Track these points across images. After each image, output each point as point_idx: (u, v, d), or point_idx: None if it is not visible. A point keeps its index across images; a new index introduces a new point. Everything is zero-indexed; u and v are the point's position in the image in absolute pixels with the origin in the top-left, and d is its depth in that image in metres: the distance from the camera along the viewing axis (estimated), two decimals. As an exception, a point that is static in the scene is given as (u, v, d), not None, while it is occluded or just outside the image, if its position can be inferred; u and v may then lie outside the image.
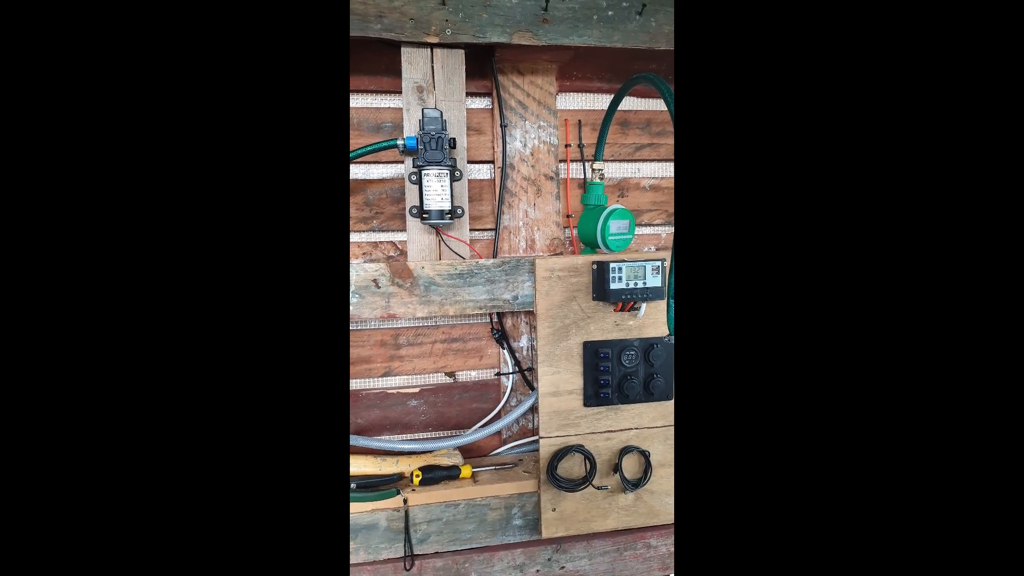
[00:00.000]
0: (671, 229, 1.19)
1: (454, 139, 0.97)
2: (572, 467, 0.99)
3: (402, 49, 0.94)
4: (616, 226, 0.96)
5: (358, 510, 0.94)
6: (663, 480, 1.02)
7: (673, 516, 1.03)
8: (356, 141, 1.01)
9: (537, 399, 0.97)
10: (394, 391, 1.08)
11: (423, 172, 0.92)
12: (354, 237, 1.04)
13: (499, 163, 1.06)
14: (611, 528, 1.01)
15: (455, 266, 0.94)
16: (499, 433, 1.11)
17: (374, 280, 0.91)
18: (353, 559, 0.96)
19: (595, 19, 0.95)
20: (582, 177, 1.12)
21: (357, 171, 1.03)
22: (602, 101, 1.12)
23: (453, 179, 0.94)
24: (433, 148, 0.91)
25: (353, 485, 0.96)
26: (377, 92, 1.02)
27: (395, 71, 0.96)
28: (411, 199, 0.98)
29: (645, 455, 1.00)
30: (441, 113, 0.92)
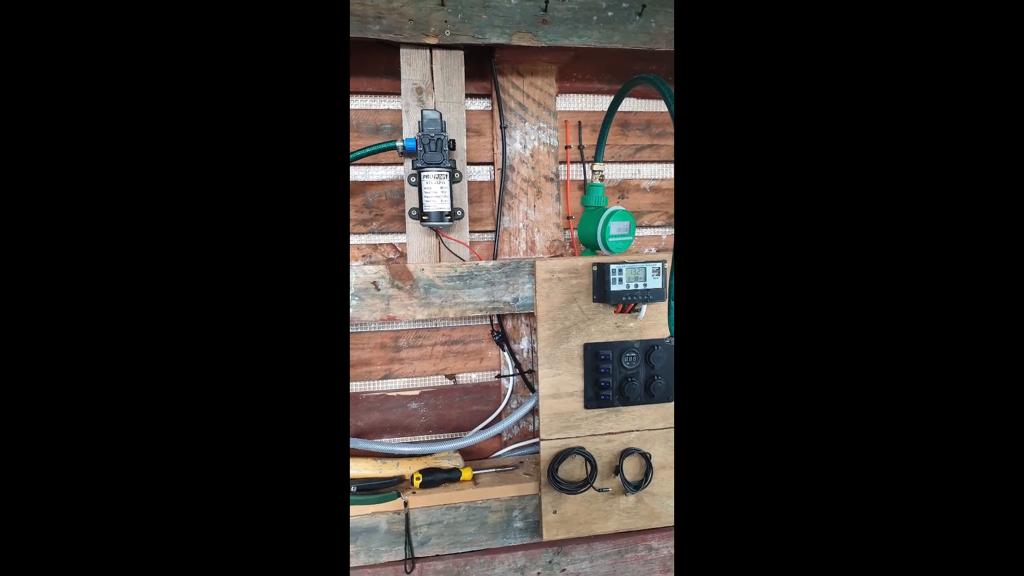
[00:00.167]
0: (671, 231, 1.18)
1: (453, 141, 0.96)
2: (573, 469, 0.98)
3: (401, 50, 0.94)
4: (616, 228, 0.96)
5: (358, 513, 0.94)
6: (664, 482, 1.01)
7: (674, 518, 1.02)
8: (355, 143, 1.01)
9: (538, 401, 0.97)
10: (394, 393, 1.08)
11: (422, 174, 0.92)
12: (353, 239, 1.04)
13: (499, 165, 1.05)
14: (612, 530, 1.01)
15: (455, 268, 0.94)
16: (500, 435, 1.11)
17: (374, 282, 0.91)
18: (353, 562, 0.95)
19: (595, 20, 0.95)
20: (582, 179, 1.12)
21: (356, 173, 1.03)
22: (602, 102, 1.12)
23: (453, 181, 0.94)
24: (432, 150, 0.91)
25: (353, 488, 0.95)
26: (376, 94, 1.02)
27: (394, 72, 0.96)
28: (410, 201, 0.98)
29: (646, 457, 1.00)
30: (440, 115, 0.92)
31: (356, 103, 1.02)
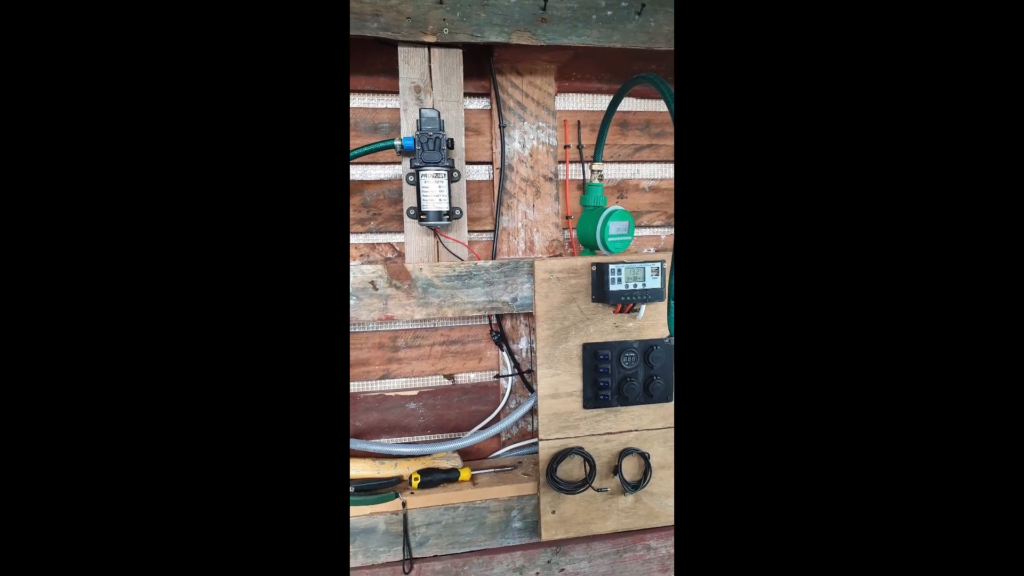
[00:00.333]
0: (671, 231, 1.18)
1: (452, 140, 0.96)
2: (572, 469, 0.98)
3: (399, 48, 0.94)
4: (615, 227, 0.96)
5: (357, 513, 0.94)
6: (663, 482, 1.01)
7: (673, 518, 1.02)
8: (353, 142, 1.00)
9: (536, 401, 0.97)
10: (392, 394, 1.08)
11: (421, 173, 0.91)
12: (351, 239, 1.03)
13: (498, 164, 1.05)
14: (611, 530, 1.01)
15: (453, 268, 0.94)
16: (498, 435, 1.10)
17: (372, 282, 0.91)
18: (352, 563, 0.95)
19: (594, 19, 0.94)
20: (581, 178, 1.11)
21: (354, 172, 1.02)
22: (601, 102, 1.12)
23: (451, 180, 0.94)
24: (431, 149, 0.90)
25: (351, 489, 0.95)
26: (374, 92, 1.02)
27: (392, 71, 0.95)
28: (409, 200, 0.97)
29: (645, 457, 1.00)
30: (439, 113, 0.92)
31: (354, 101, 1.01)
